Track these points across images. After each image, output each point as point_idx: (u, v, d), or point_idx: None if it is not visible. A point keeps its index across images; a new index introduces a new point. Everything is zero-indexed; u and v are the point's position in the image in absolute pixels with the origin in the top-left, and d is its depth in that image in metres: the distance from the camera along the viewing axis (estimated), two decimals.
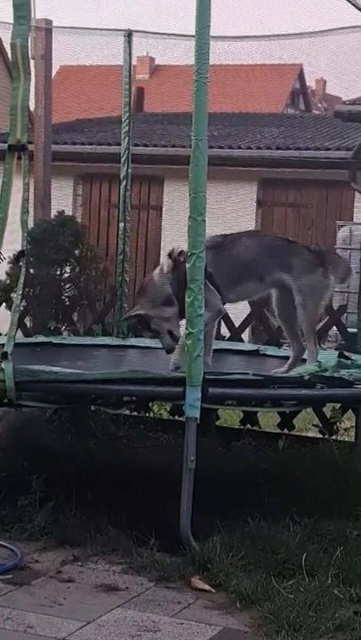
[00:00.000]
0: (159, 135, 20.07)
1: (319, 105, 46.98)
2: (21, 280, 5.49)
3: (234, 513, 5.47)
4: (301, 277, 6.19)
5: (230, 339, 8.12)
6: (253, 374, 5.74)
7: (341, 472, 6.33)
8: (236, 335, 8.17)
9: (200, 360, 5.22)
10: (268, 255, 6.25)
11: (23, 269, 5.58)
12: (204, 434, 5.65)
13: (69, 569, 5.01)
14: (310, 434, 7.85)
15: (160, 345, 6.14)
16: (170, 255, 6.12)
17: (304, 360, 6.34)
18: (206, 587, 4.81)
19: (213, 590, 4.78)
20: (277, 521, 5.41)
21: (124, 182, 8.61)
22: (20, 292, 5.52)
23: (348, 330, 7.98)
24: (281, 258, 6.24)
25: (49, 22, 10.97)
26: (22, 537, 5.35)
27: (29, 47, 5.40)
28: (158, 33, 9.03)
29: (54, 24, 11.02)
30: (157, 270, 6.17)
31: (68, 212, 10.88)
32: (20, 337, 6.66)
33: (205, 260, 5.29)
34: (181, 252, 5.90)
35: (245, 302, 7.07)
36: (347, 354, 6.53)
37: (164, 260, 6.22)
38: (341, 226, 15.85)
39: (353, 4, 7.37)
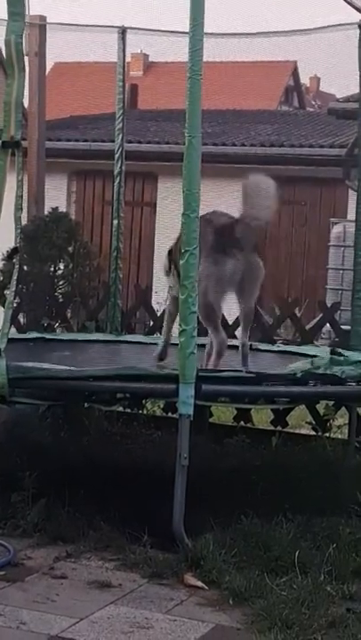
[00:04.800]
0: (153, 132, 20.05)
1: (313, 102, 46.99)
2: (14, 277, 5.50)
3: (227, 510, 5.47)
4: None
5: None
6: (246, 371, 5.75)
7: (334, 469, 6.34)
8: (229, 332, 8.14)
9: (193, 357, 5.22)
10: None
11: (16, 266, 5.59)
12: (197, 431, 5.65)
13: (62, 565, 5.02)
14: (304, 431, 7.86)
15: (153, 341, 6.16)
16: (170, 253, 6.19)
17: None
18: (199, 583, 4.81)
19: (206, 587, 4.79)
20: (270, 518, 5.42)
21: (118, 179, 8.61)
22: (14, 289, 5.54)
23: (342, 327, 7.98)
24: None
25: (43, 18, 10.94)
26: (15, 533, 5.35)
27: (24, 43, 5.39)
28: (152, 30, 9.02)
29: (48, 20, 10.99)
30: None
31: (62, 209, 10.83)
32: (13, 333, 6.65)
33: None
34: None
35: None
36: (339, 350, 6.54)
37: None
38: (335, 223, 15.86)
39: (350, 4, 7.35)
